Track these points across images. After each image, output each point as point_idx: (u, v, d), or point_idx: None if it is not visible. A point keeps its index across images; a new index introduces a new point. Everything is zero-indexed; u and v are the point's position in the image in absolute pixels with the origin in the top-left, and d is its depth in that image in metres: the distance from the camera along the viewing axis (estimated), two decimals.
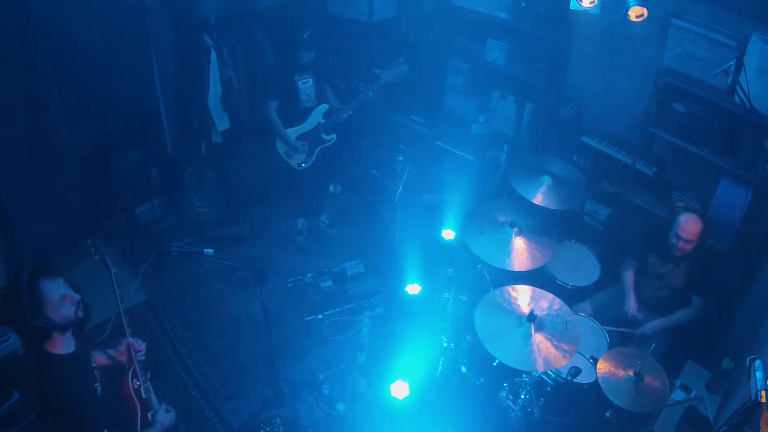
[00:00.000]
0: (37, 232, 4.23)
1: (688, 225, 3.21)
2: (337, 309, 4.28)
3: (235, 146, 5.23)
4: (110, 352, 2.66)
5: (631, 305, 3.47)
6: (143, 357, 2.68)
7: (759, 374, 2.10)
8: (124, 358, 2.65)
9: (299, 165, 4.53)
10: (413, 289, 4.28)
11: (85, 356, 2.38)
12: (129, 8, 4.37)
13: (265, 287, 3.11)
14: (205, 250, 3.02)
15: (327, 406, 3.60)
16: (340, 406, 3.60)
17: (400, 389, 3.56)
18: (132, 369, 2.58)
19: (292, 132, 4.41)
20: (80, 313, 2.29)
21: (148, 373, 2.69)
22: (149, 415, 2.57)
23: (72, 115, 4.39)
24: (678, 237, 3.25)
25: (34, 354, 2.25)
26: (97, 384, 2.36)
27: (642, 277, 3.58)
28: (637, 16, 3.23)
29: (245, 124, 5.29)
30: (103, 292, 2.80)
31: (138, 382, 2.57)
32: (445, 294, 3.93)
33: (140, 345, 2.68)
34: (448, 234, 4.40)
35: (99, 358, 2.60)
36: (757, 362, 2.14)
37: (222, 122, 4.99)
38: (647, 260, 3.51)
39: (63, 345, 2.25)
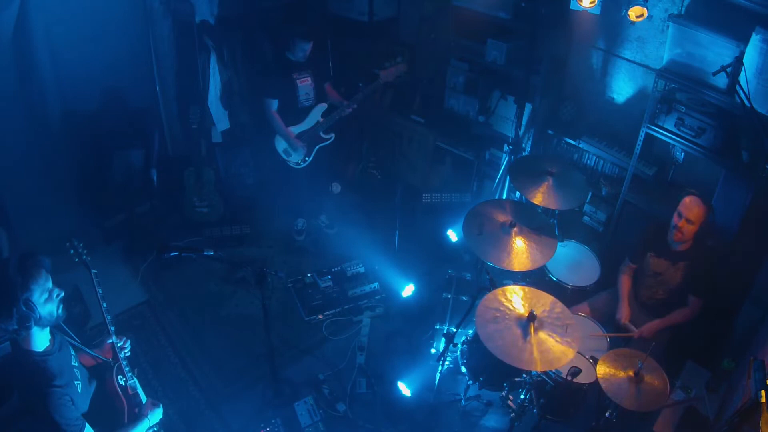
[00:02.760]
0: (38, 232, 4.23)
1: (692, 203, 3.20)
2: (337, 309, 4.28)
3: (235, 146, 5.24)
4: (95, 351, 2.66)
5: (623, 314, 3.47)
6: (129, 353, 2.69)
7: (759, 374, 2.10)
8: (109, 357, 2.66)
9: (297, 163, 4.53)
10: (407, 290, 4.29)
11: (64, 354, 2.37)
12: (129, 8, 4.38)
13: (265, 287, 3.11)
14: (205, 250, 3.02)
15: (327, 406, 3.60)
16: (340, 406, 3.61)
17: (403, 389, 3.58)
18: (117, 365, 2.59)
19: (292, 131, 4.41)
20: (61, 312, 2.29)
21: (135, 369, 2.71)
22: (137, 410, 2.59)
23: (72, 115, 4.39)
24: (680, 215, 3.23)
25: (13, 351, 2.25)
26: (77, 382, 2.36)
27: (640, 277, 3.58)
28: (637, 16, 3.23)
29: (245, 124, 5.29)
30: (106, 293, 2.79)
31: (124, 378, 2.58)
32: (446, 294, 3.93)
33: (124, 342, 2.69)
34: (452, 235, 4.41)
35: (84, 358, 2.61)
36: (757, 362, 2.14)
37: (222, 122, 5.00)
38: (645, 259, 3.52)
39: (35, 342, 2.23)
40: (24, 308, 2.14)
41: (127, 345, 2.70)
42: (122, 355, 2.63)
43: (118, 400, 2.55)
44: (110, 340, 2.63)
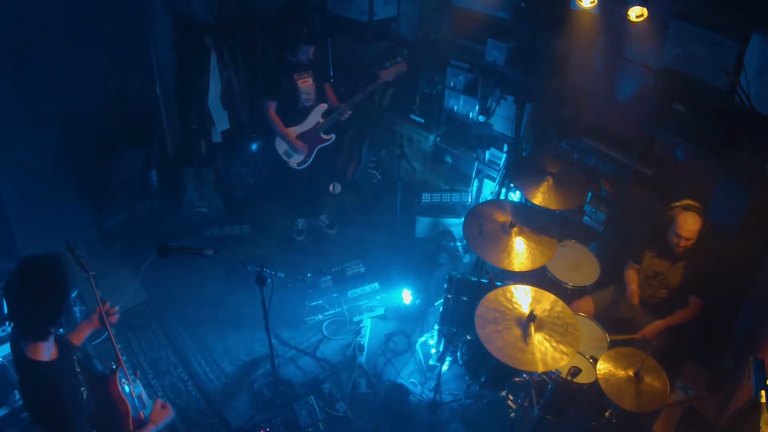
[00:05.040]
0: (37, 232, 4.23)
1: (688, 224, 3.22)
2: (337, 309, 4.28)
3: (236, 146, 5.24)
4: (83, 322, 2.64)
5: (633, 294, 3.50)
6: (116, 321, 2.66)
7: (759, 374, 2.10)
8: (98, 326, 2.65)
9: (298, 165, 4.53)
10: (406, 297, 4.27)
11: (68, 362, 2.34)
12: (129, 8, 4.38)
13: (265, 287, 3.11)
14: (205, 250, 3.02)
15: (327, 406, 3.60)
16: (340, 406, 3.61)
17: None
18: (119, 368, 2.57)
19: (292, 131, 4.41)
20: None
21: (138, 371, 2.68)
22: (142, 413, 2.56)
23: (72, 115, 4.39)
24: (679, 236, 3.26)
25: (19, 362, 2.21)
26: (83, 388, 2.34)
27: (641, 277, 3.59)
28: (637, 16, 3.23)
29: (245, 124, 5.29)
30: (105, 294, 2.79)
31: (125, 381, 2.57)
32: (446, 294, 3.93)
33: (112, 308, 2.66)
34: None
35: (74, 336, 2.59)
36: (757, 362, 2.14)
37: (222, 122, 5.00)
38: (644, 259, 3.52)
39: (45, 351, 2.19)
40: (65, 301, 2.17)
41: (116, 310, 2.67)
42: (110, 321, 2.60)
43: (121, 404, 2.52)
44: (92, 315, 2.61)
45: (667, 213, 3.35)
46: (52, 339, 2.22)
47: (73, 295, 2.32)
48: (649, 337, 3.31)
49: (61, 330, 2.38)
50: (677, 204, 3.31)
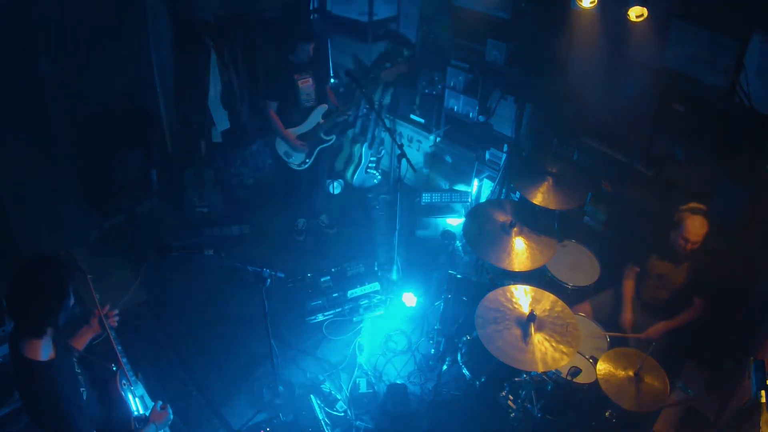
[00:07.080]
0: (37, 232, 4.24)
1: (696, 227, 3.20)
2: (337, 309, 4.28)
3: (236, 146, 5.24)
4: (83, 327, 2.65)
5: (626, 319, 3.48)
6: (116, 324, 2.68)
7: (759, 374, 2.11)
8: (98, 330, 2.66)
9: (299, 165, 4.53)
10: (409, 300, 4.27)
11: (67, 362, 2.34)
12: (129, 8, 4.38)
13: (265, 287, 3.11)
14: (205, 250, 3.02)
15: (327, 406, 3.60)
16: (340, 406, 3.60)
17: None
18: (120, 370, 2.57)
19: (292, 132, 4.41)
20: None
21: (138, 372, 2.69)
22: (143, 414, 2.56)
23: (72, 114, 4.39)
24: (686, 240, 3.24)
25: (16, 362, 2.21)
26: (82, 389, 2.34)
27: (642, 279, 3.58)
28: (637, 16, 3.23)
29: (245, 124, 5.29)
30: (105, 294, 2.79)
31: (126, 382, 2.56)
32: (446, 294, 3.93)
33: (112, 311, 2.68)
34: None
35: (76, 341, 2.60)
36: (757, 362, 2.14)
37: (222, 122, 5.00)
38: (647, 261, 3.52)
39: (42, 351, 2.19)
40: (63, 299, 2.18)
41: (115, 313, 2.68)
42: (109, 324, 2.60)
43: (122, 405, 2.52)
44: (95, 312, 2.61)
45: (675, 215, 3.32)
46: (49, 339, 2.22)
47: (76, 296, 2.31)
48: (653, 337, 3.31)
49: (62, 330, 2.38)
50: (685, 207, 3.28)
